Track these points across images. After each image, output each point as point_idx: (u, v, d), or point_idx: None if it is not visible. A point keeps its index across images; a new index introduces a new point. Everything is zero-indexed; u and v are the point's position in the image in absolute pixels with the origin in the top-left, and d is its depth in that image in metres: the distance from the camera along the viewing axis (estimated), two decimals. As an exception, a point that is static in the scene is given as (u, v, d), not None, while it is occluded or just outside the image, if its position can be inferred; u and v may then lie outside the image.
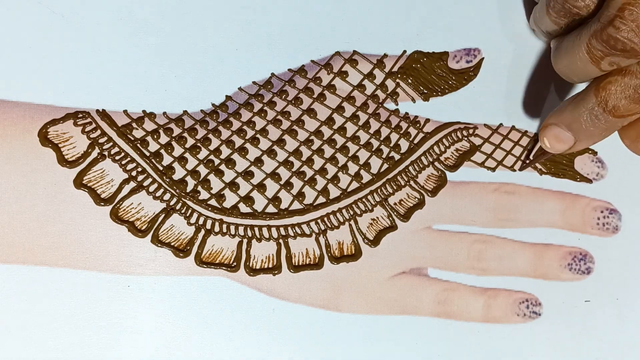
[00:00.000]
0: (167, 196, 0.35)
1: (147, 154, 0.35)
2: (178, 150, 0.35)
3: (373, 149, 0.36)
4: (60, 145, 0.34)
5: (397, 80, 0.37)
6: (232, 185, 0.35)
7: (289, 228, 0.35)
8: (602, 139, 0.33)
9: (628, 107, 0.31)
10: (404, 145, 0.37)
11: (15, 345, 0.33)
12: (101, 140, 0.35)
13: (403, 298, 0.35)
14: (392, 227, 0.36)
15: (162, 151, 0.35)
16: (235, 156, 0.35)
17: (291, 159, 0.36)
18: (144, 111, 0.35)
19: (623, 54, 0.30)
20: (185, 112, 0.35)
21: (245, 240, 0.35)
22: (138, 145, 0.35)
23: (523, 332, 0.36)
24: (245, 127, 0.36)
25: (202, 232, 0.34)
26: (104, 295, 0.33)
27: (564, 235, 0.37)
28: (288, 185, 0.35)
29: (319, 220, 0.35)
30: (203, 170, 0.35)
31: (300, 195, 0.35)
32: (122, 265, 0.34)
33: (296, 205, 0.35)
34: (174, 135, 0.35)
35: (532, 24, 0.36)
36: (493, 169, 0.37)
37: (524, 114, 0.38)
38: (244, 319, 0.34)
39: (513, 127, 0.38)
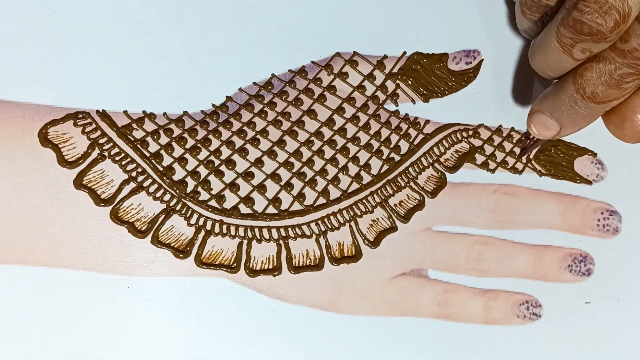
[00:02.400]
0: (167, 197, 0.34)
1: (147, 154, 0.35)
2: (178, 151, 0.35)
3: (373, 150, 0.36)
4: (60, 145, 0.34)
5: (397, 81, 0.37)
6: (233, 186, 0.35)
7: (289, 229, 0.35)
8: (586, 124, 0.33)
9: (606, 92, 0.30)
10: (404, 146, 0.37)
11: (15, 345, 0.32)
12: (101, 141, 0.34)
13: (403, 299, 0.35)
14: (392, 228, 0.36)
15: (162, 152, 0.35)
16: (236, 157, 0.35)
17: (291, 159, 0.36)
18: (144, 112, 0.35)
19: (591, 38, 0.29)
20: (185, 112, 0.35)
21: (245, 241, 0.35)
22: (138, 145, 0.35)
23: (523, 334, 0.36)
24: (245, 128, 0.36)
25: (202, 233, 0.34)
26: (103, 296, 0.33)
27: (564, 237, 0.37)
28: (288, 186, 0.35)
29: (319, 222, 0.35)
30: (203, 171, 0.35)
31: (300, 196, 0.35)
32: (122, 266, 0.34)
33: (296, 206, 0.35)
34: (174, 135, 0.35)
35: (519, 27, 0.36)
36: (493, 171, 0.37)
37: (524, 115, 0.38)
38: (244, 320, 0.34)
39: (512, 129, 0.38)
